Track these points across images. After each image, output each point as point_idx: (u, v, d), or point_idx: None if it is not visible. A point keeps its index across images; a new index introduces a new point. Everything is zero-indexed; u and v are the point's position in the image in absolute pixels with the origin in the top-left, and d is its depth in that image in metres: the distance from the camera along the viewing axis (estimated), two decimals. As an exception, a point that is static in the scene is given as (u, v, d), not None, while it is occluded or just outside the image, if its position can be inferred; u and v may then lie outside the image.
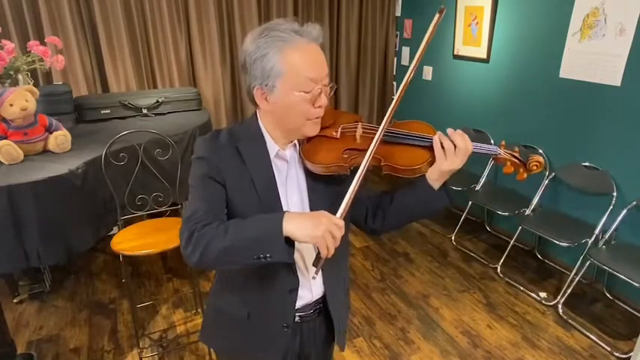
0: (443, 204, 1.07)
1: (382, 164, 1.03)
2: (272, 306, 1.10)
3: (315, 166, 1.02)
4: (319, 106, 0.99)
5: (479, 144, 1.04)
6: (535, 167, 1.05)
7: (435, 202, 1.07)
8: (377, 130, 1.04)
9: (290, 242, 0.90)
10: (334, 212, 0.94)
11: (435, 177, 1.03)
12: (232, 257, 0.92)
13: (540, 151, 2.98)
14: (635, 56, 2.39)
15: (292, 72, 0.93)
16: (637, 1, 2.34)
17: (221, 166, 0.99)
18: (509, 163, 1.07)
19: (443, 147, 0.99)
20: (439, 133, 1.03)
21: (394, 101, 1.05)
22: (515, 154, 1.07)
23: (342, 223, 0.91)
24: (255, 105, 1.02)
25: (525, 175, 1.07)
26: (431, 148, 1.02)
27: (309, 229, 0.88)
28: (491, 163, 3.33)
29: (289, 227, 0.88)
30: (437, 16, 1.05)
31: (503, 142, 1.10)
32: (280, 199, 1.03)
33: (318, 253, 0.93)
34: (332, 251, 0.90)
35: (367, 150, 1.00)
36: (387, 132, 1.06)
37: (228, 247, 0.89)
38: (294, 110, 0.97)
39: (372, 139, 1.01)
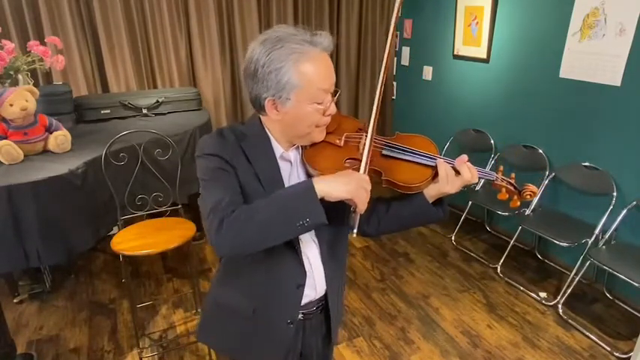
0: (437, 218, 1.10)
1: (382, 178, 1.04)
2: (278, 302, 1.10)
3: (316, 172, 1.02)
4: (328, 115, 1.00)
5: (479, 168, 1.07)
6: (529, 196, 1.10)
7: (429, 216, 1.09)
8: (380, 142, 1.06)
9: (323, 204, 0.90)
10: (336, 217, 0.95)
11: (432, 194, 1.06)
12: (269, 231, 0.89)
13: (540, 151, 2.98)
14: (635, 56, 2.39)
15: (307, 84, 0.93)
16: (637, 1, 2.34)
17: (232, 162, 0.98)
18: (504, 190, 1.12)
19: (446, 171, 1.03)
20: (444, 159, 1.05)
21: (378, 89, 1.05)
22: (511, 181, 1.11)
23: (368, 178, 0.94)
24: (262, 113, 1.01)
25: (519, 203, 1.12)
26: (432, 167, 1.05)
27: (344, 184, 0.90)
28: (490, 163, 3.33)
29: (322, 187, 0.89)
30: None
31: (501, 168, 1.13)
32: None
33: (352, 212, 0.95)
34: (365, 205, 0.92)
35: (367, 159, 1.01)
36: (391, 146, 1.07)
37: (264, 221, 0.88)
38: (305, 120, 0.98)
39: (373, 150, 1.02)
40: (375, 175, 1.04)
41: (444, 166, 1.02)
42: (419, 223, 1.16)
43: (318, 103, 0.96)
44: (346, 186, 0.90)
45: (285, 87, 0.93)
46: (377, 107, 1.04)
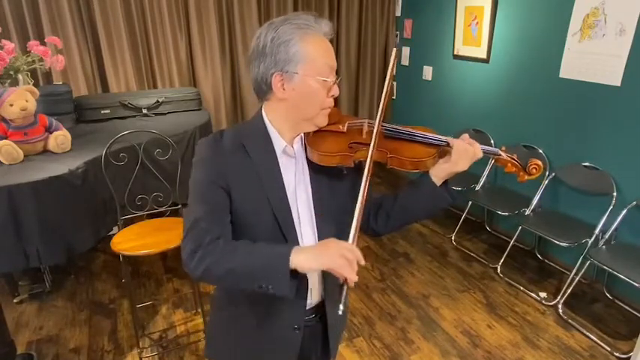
0: (446, 203, 1.09)
1: (388, 156, 1.05)
2: (282, 306, 1.08)
3: (320, 155, 1.02)
4: (332, 96, 1.01)
5: (482, 145, 1.08)
6: (534, 170, 1.11)
7: (438, 201, 1.09)
8: (384, 127, 1.07)
9: (295, 277, 0.89)
10: (339, 208, 0.95)
11: (441, 175, 1.06)
12: (235, 281, 0.93)
13: (540, 151, 2.98)
14: (635, 56, 2.39)
15: (314, 58, 0.95)
16: (637, 1, 2.34)
17: (225, 170, 0.98)
18: (510, 164, 1.13)
19: (464, 146, 1.04)
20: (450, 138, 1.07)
21: (384, 95, 1.07)
22: (514, 157, 1.12)
23: (353, 246, 0.89)
24: (264, 96, 1.01)
25: (526, 178, 1.13)
26: (435, 147, 1.06)
27: (317, 255, 0.88)
28: (491, 163, 3.32)
29: (297, 259, 0.87)
30: (394, 51, 1.09)
31: (503, 148, 1.14)
32: (288, 196, 1.02)
33: (342, 285, 0.89)
34: (352, 275, 0.86)
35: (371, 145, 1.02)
36: (397, 130, 1.09)
37: (233, 271, 0.90)
38: (311, 98, 0.98)
39: (377, 135, 1.02)
40: (380, 156, 1.05)
41: (459, 141, 1.04)
42: (428, 211, 1.13)
43: (325, 79, 0.97)
44: (320, 257, 0.87)
45: (293, 59, 0.94)
46: (387, 90, 1.05)
